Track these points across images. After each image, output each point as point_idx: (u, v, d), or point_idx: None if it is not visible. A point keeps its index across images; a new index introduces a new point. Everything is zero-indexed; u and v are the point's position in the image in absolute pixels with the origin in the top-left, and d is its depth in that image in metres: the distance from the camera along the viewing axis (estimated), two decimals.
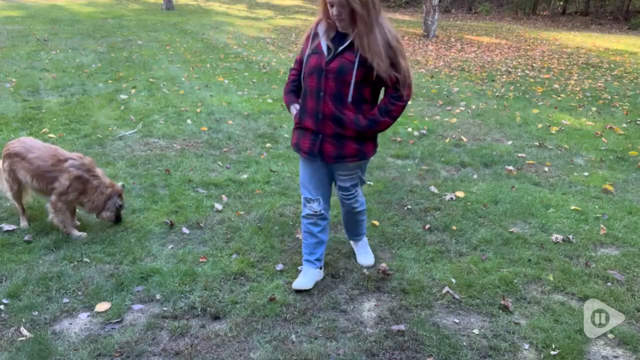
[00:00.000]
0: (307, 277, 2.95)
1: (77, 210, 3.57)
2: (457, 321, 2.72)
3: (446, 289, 2.96)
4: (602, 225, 3.79)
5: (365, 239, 3.28)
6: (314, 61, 2.61)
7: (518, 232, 3.68)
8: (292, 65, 2.88)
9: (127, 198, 3.96)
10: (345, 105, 2.60)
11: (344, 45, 2.55)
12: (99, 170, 3.48)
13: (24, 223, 3.54)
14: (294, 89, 2.83)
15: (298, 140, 2.80)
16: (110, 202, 3.43)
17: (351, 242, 3.33)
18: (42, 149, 3.43)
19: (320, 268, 3.03)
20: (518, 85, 8.87)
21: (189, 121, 6.00)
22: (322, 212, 2.90)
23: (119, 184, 3.55)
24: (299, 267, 3.09)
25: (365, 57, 2.51)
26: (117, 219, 3.53)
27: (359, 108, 2.63)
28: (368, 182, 4.40)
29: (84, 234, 3.43)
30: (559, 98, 7.96)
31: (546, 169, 4.98)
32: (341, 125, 2.63)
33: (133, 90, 7.29)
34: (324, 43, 2.60)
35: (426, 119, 6.56)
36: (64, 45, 10.64)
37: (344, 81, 2.56)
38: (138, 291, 2.88)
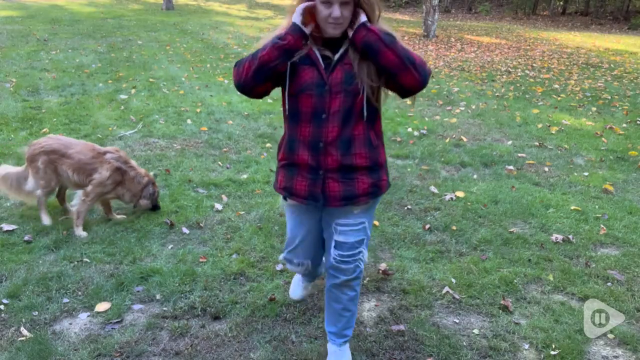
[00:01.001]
0: (302, 288, 2.82)
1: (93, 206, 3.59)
2: (457, 321, 2.72)
3: (446, 289, 2.96)
4: (602, 225, 3.79)
5: (348, 344, 2.41)
6: (309, 75, 1.96)
7: (518, 232, 3.68)
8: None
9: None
10: (357, 123, 2.01)
11: (342, 51, 1.97)
12: (133, 162, 3.66)
13: (48, 221, 3.58)
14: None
15: (288, 181, 2.12)
16: (146, 190, 3.61)
17: (329, 345, 2.39)
18: (79, 144, 3.59)
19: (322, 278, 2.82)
20: (518, 85, 8.87)
21: (189, 121, 6.00)
22: (310, 270, 2.50)
23: (151, 173, 3.76)
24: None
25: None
26: (155, 207, 3.72)
27: (372, 123, 2.07)
28: None
29: (85, 234, 3.44)
30: (559, 98, 7.96)
31: (546, 169, 4.98)
32: (350, 152, 2.02)
33: (133, 90, 7.29)
34: (317, 51, 1.98)
35: (426, 119, 6.56)
36: (64, 45, 10.64)
37: (354, 92, 1.96)
38: (138, 291, 2.88)
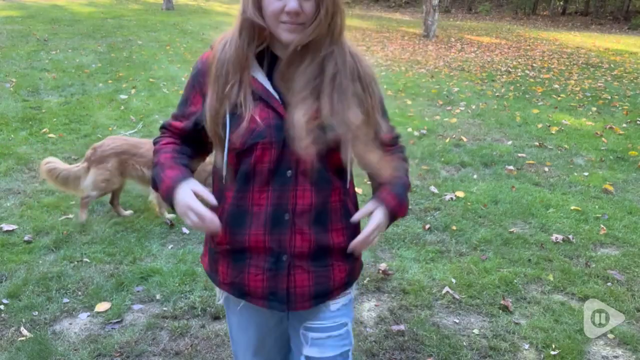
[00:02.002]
0: None
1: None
2: (457, 321, 2.73)
3: (446, 289, 2.96)
4: (602, 225, 3.79)
5: None
6: (262, 116, 1.29)
7: (518, 232, 3.68)
8: (162, 125, 1.48)
9: (127, 198, 3.97)
10: (335, 187, 1.37)
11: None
12: None
13: (129, 211, 3.78)
14: (179, 154, 1.41)
15: (236, 275, 1.40)
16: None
17: None
18: (146, 143, 3.71)
19: None
20: (518, 85, 8.87)
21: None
22: None
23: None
24: None
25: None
26: None
27: (347, 186, 1.41)
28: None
29: (171, 216, 3.67)
30: (559, 98, 7.96)
31: (546, 169, 4.98)
32: (326, 228, 1.37)
33: (133, 90, 7.29)
34: (267, 83, 1.31)
35: (426, 119, 6.56)
36: (64, 45, 10.63)
37: (328, 141, 1.28)
38: (138, 291, 2.88)
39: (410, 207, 4.01)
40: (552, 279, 3.10)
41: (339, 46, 1.31)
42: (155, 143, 1.46)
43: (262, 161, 1.30)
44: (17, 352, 2.38)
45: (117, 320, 2.64)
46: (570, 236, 3.61)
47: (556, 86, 8.89)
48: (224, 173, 1.35)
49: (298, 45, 1.24)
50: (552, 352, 2.48)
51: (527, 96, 8.04)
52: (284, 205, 1.32)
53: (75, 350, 2.43)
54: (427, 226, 3.71)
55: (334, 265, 1.40)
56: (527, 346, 2.54)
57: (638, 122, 6.74)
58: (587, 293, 2.96)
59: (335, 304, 1.44)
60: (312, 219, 1.34)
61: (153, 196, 3.69)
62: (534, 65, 11.06)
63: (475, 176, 4.73)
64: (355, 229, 1.43)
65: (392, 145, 1.48)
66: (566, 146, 5.65)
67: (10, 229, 3.47)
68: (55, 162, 3.66)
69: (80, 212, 3.63)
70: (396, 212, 1.39)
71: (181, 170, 1.36)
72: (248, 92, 1.29)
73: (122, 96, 6.96)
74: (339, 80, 1.29)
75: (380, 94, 1.41)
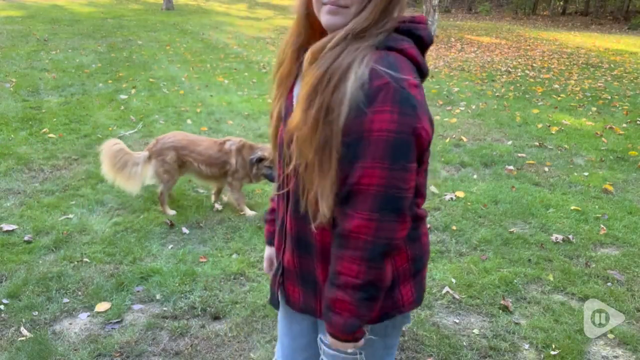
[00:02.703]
0: None
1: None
2: (457, 321, 2.72)
3: (446, 289, 2.96)
4: (602, 225, 3.79)
5: None
6: (281, 128, 1.29)
7: (518, 232, 3.68)
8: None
9: (127, 198, 3.97)
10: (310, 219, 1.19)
11: None
12: (254, 144, 3.87)
13: (173, 211, 3.80)
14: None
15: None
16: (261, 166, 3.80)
17: None
18: (205, 140, 3.87)
19: None
20: (518, 85, 8.87)
21: (189, 121, 5.99)
22: None
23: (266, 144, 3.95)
24: None
25: None
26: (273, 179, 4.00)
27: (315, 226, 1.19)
28: None
29: (253, 213, 3.79)
30: (559, 98, 7.96)
31: (546, 169, 4.98)
32: (312, 257, 1.27)
33: (133, 90, 7.29)
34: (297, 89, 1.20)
35: None
36: (64, 45, 10.63)
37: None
38: (138, 291, 2.88)
39: None
40: (552, 279, 3.10)
41: (375, 54, 1.06)
42: None
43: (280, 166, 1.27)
44: (17, 352, 2.38)
45: (117, 320, 2.64)
46: (570, 236, 3.61)
47: (556, 86, 8.89)
48: None
49: (334, 30, 1.09)
50: (552, 352, 2.48)
51: (527, 96, 8.04)
52: (282, 216, 1.29)
53: (75, 350, 2.43)
54: (427, 226, 3.71)
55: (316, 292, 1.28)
56: (527, 346, 2.54)
57: (638, 122, 6.74)
58: (587, 293, 2.96)
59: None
60: (295, 242, 1.25)
61: (230, 195, 3.85)
62: (534, 65, 11.06)
63: (475, 176, 4.73)
64: None
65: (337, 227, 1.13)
66: (566, 146, 5.65)
67: (10, 229, 3.47)
68: (122, 144, 3.78)
69: (163, 209, 3.78)
70: (333, 335, 1.17)
71: (267, 231, 1.51)
72: (282, 104, 1.26)
73: (122, 96, 6.96)
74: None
75: (370, 160, 1.04)
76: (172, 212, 3.77)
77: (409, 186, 1.08)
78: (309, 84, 1.06)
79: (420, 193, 1.20)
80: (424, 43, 1.16)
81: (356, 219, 1.07)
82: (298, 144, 1.08)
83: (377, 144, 1.03)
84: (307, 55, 1.09)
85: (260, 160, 3.67)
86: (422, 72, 1.15)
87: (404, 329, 1.40)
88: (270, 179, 3.72)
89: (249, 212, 3.81)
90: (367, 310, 1.12)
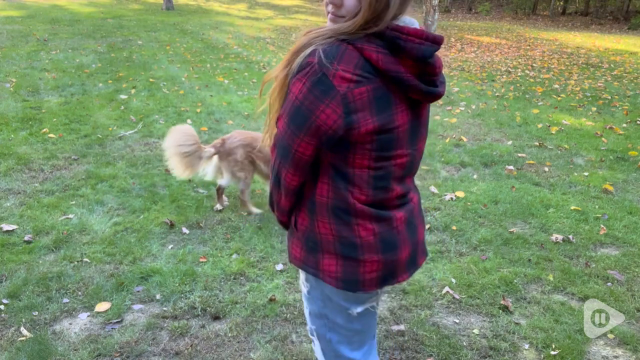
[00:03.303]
0: None
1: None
2: (457, 321, 2.73)
3: (446, 289, 2.96)
4: (602, 225, 3.79)
5: None
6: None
7: (518, 232, 3.68)
8: None
9: (127, 198, 3.97)
10: None
11: None
12: None
13: (259, 210, 3.87)
14: None
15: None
16: None
17: None
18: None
19: None
20: (518, 85, 8.87)
21: (189, 121, 5.99)
22: None
23: None
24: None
25: None
26: None
27: None
28: None
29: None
30: (559, 98, 7.96)
31: (546, 169, 4.98)
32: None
33: (133, 90, 7.29)
34: None
35: None
36: (64, 45, 10.63)
37: None
38: (138, 291, 2.88)
39: None
40: (552, 279, 3.10)
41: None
42: None
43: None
44: (17, 352, 2.38)
45: (117, 320, 2.64)
46: (570, 236, 3.61)
47: (556, 86, 8.89)
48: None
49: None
50: (552, 352, 2.48)
51: (527, 96, 8.04)
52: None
53: (75, 350, 2.43)
54: (427, 226, 3.71)
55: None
56: (527, 346, 2.54)
57: (638, 122, 6.74)
58: (587, 293, 2.96)
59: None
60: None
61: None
62: (534, 65, 11.06)
63: (475, 176, 4.73)
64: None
65: None
66: (566, 146, 5.65)
67: (10, 229, 3.47)
68: (193, 132, 3.77)
69: (247, 208, 3.84)
70: None
71: None
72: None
73: (122, 96, 6.96)
74: None
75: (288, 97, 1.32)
76: (258, 211, 3.83)
77: (298, 149, 1.31)
78: (290, 50, 1.32)
79: (355, 184, 1.35)
80: (408, 55, 1.26)
81: (272, 145, 1.42)
82: (271, 90, 1.38)
83: (288, 102, 1.30)
84: (302, 33, 1.34)
85: None
86: (387, 77, 1.25)
87: (351, 312, 1.51)
88: None
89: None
90: (272, 207, 1.57)
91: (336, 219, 1.38)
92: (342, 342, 1.56)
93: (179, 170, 3.70)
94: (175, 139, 3.66)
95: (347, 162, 1.32)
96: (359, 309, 1.50)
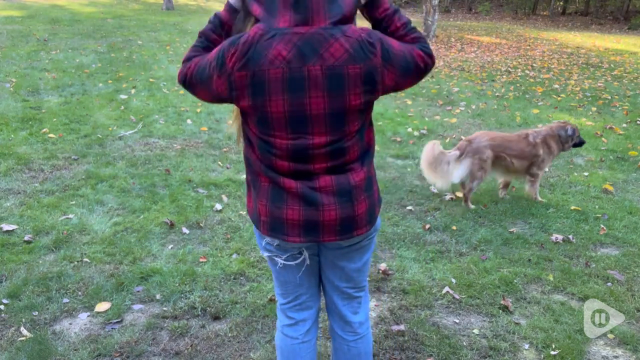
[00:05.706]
0: None
1: None
2: (457, 321, 2.72)
3: (446, 289, 2.96)
4: (602, 225, 3.79)
5: None
6: None
7: (518, 232, 3.68)
8: None
9: (127, 198, 3.97)
10: None
11: None
12: (554, 128, 4.14)
13: (473, 206, 4.08)
14: None
15: None
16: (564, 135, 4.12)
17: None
18: (512, 136, 4.16)
19: None
20: (518, 85, 8.87)
21: (189, 121, 6.00)
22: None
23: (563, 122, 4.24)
24: None
25: None
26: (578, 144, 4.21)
27: None
28: None
29: (542, 200, 4.16)
30: (559, 98, 7.96)
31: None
32: None
33: (133, 90, 7.29)
34: None
35: (426, 119, 6.56)
36: (64, 45, 10.63)
37: None
38: (138, 291, 2.88)
39: (410, 207, 4.02)
40: (552, 279, 3.10)
41: None
42: None
43: None
44: (17, 352, 2.38)
45: (117, 320, 2.64)
46: (570, 236, 3.61)
47: (556, 86, 8.89)
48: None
49: None
50: (552, 352, 2.48)
51: (527, 96, 8.04)
52: None
53: (75, 350, 2.43)
54: (427, 226, 3.71)
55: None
56: (527, 346, 2.54)
57: (638, 122, 6.74)
58: (587, 293, 2.96)
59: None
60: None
61: (530, 187, 4.13)
62: (534, 65, 11.05)
63: None
64: None
65: None
66: None
67: (10, 229, 3.47)
68: (440, 147, 4.03)
69: (466, 204, 4.05)
70: None
71: None
72: None
73: (122, 96, 6.96)
74: None
75: None
76: (471, 206, 4.03)
77: (199, 64, 1.69)
78: None
79: (251, 142, 1.79)
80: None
81: None
82: None
83: None
84: None
85: (574, 131, 4.06)
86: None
87: (274, 260, 1.80)
88: (582, 144, 4.21)
89: (540, 200, 4.13)
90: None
91: (249, 170, 1.75)
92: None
93: (437, 181, 3.96)
94: (429, 159, 3.91)
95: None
96: (266, 254, 1.76)
